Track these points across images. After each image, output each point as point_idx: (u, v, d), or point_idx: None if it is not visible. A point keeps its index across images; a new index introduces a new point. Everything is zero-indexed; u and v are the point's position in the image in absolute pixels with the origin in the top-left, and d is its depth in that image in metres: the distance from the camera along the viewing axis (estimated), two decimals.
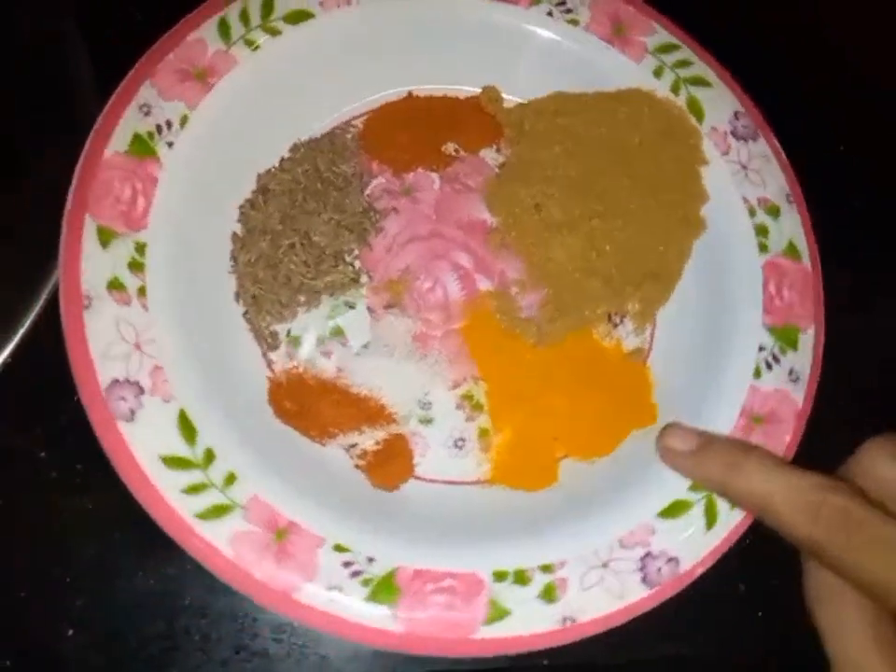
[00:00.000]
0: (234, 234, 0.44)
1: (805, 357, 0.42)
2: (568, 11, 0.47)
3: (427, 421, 0.43)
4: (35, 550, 0.40)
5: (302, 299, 0.44)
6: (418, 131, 0.48)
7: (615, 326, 0.46)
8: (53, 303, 0.39)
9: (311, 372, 0.43)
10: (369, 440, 0.42)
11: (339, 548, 0.36)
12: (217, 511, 0.36)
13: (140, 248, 0.39)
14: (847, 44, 0.57)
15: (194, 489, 0.36)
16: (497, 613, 0.36)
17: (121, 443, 0.36)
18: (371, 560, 0.36)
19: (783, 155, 0.46)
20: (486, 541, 0.38)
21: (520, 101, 0.49)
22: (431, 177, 0.48)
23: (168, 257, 0.40)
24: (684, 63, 0.47)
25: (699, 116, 0.47)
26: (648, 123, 0.47)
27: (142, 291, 0.39)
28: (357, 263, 0.45)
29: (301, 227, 0.44)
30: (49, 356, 0.38)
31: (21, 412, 0.42)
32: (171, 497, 0.35)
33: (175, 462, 0.36)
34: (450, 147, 0.48)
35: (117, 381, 0.37)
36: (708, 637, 0.42)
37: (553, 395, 0.43)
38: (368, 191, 0.47)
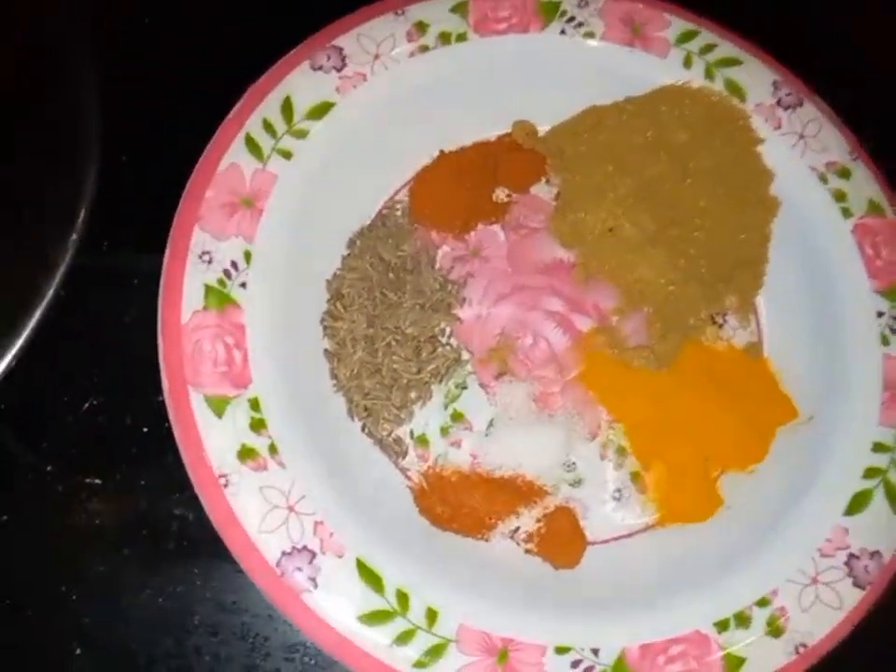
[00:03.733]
0: (326, 351, 0.42)
1: None
2: (580, 25, 0.45)
3: (577, 482, 0.42)
4: (42, 566, 0.39)
5: (414, 395, 0.42)
6: (463, 186, 0.46)
7: (720, 326, 0.45)
8: (55, 310, 0.39)
9: (448, 468, 0.41)
10: (529, 520, 0.40)
11: (561, 650, 0.35)
12: (435, 654, 0.34)
13: (255, 405, 0.37)
14: None
15: (403, 638, 0.34)
16: (735, 663, 0.35)
17: (314, 617, 0.34)
18: (595, 651, 0.35)
19: (833, 114, 0.45)
20: (690, 593, 0.37)
21: (552, 126, 0.47)
22: (493, 231, 0.46)
23: (282, 403, 0.38)
24: (710, 47, 0.46)
25: (740, 95, 0.45)
26: (691, 117, 0.46)
27: (273, 449, 0.37)
28: (454, 341, 0.44)
29: (390, 323, 0.42)
30: (54, 365, 0.39)
31: (26, 424, 0.41)
32: (382, 655, 0.34)
33: (374, 617, 0.34)
34: (500, 194, 0.47)
35: (285, 553, 0.35)
36: None
37: (688, 415, 0.43)
38: (437, 265, 0.45)
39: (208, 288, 0.38)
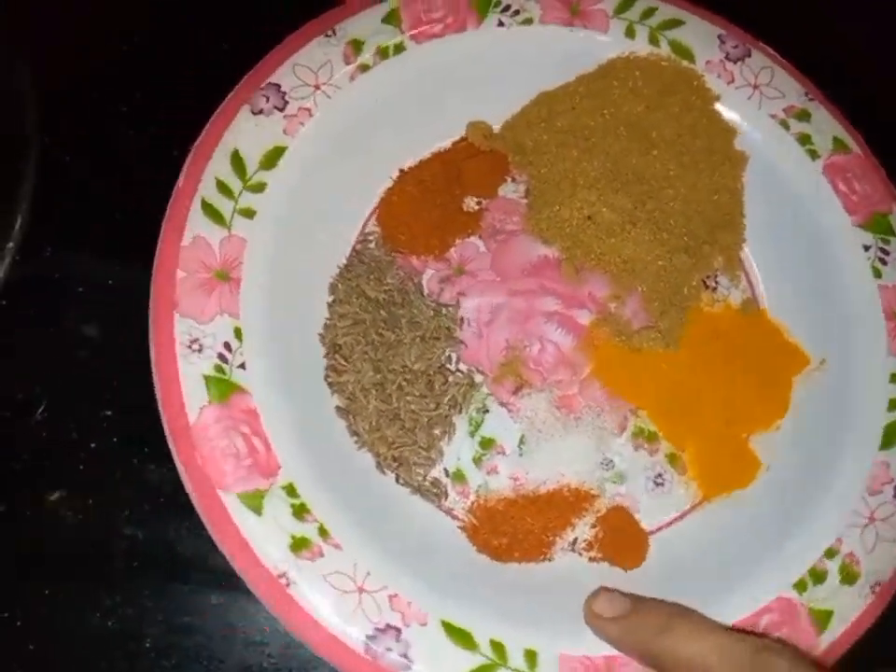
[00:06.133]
0: (338, 409, 0.39)
1: None
2: (517, 13, 0.43)
3: (618, 479, 0.41)
4: None
5: (438, 431, 0.40)
6: (431, 202, 0.44)
7: (713, 290, 0.45)
8: None
9: (493, 498, 0.40)
10: (584, 528, 0.40)
11: None
12: None
13: (291, 490, 0.34)
14: None
15: None
16: (824, 618, 0.36)
17: None
18: None
19: (780, 58, 0.45)
20: (759, 563, 0.38)
21: (505, 121, 0.45)
22: (472, 243, 0.44)
23: (317, 480, 0.35)
24: (650, 12, 0.45)
25: (688, 56, 0.45)
26: (644, 86, 0.45)
27: (323, 532, 0.34)
28: (463, 366, 0.42)
29: (396, 364, 0.40)
30: None
31: None
32: None
33: None
34: (470, 203, 0.45)
35: (370, 636, 0.33)
36: None
37: (706, 386, 0.43)
38: (426, 291, 0.43)
39: (208, 379, 0.35)
